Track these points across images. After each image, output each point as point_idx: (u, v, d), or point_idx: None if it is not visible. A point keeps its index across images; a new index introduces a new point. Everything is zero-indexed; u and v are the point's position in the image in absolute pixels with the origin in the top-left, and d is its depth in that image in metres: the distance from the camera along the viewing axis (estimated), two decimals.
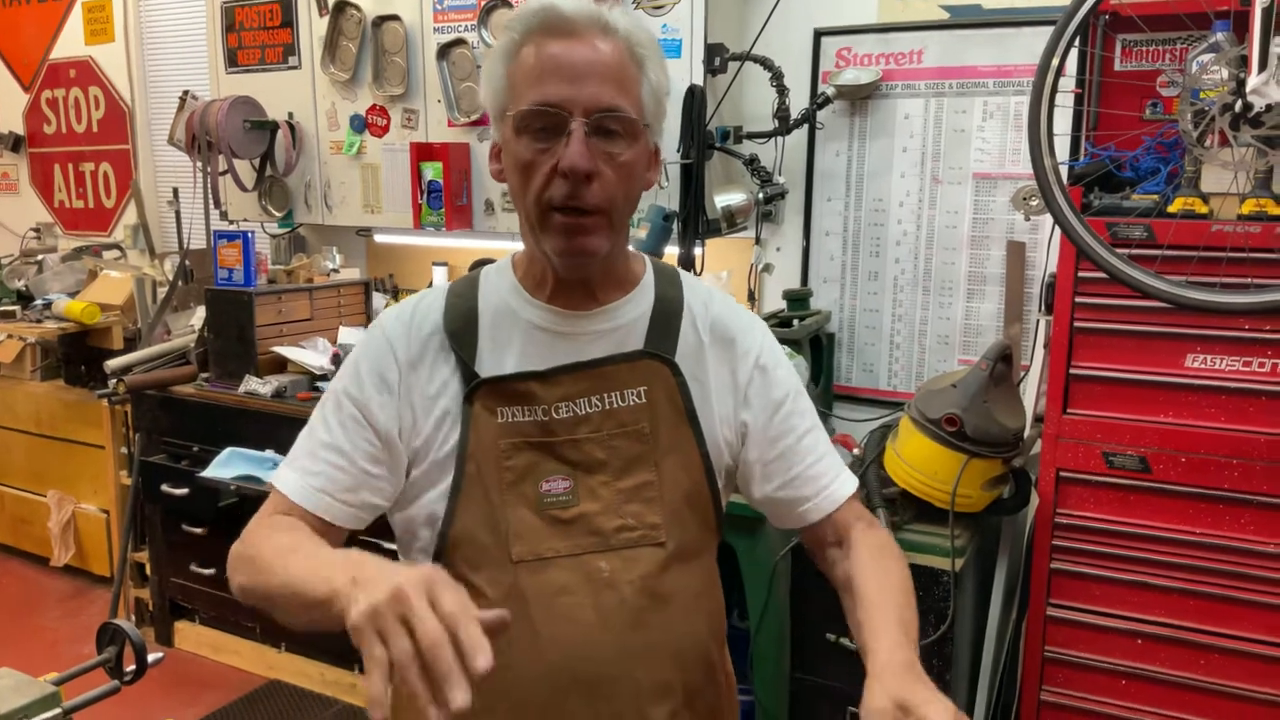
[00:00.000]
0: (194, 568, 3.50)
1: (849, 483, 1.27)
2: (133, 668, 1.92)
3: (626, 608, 1.14)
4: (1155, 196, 2.27)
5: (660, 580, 1.16)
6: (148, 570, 3.70)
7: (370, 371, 1.20)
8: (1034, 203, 2.71)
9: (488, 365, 1.17)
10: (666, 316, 1.21)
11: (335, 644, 3.28)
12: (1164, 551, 2.28)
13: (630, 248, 1.25)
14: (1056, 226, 2.16)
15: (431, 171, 3.32)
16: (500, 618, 0.86)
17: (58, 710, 1.77)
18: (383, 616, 0.81)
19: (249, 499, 3.24)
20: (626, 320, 1.20)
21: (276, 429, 3.25)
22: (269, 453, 3.22)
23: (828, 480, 1.25)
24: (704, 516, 1.21)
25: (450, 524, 1.15)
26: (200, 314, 3.68)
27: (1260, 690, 2.22)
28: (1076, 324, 2.32)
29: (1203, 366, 2.24)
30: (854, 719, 2.49)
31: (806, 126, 3.02)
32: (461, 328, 1.19)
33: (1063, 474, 2.36)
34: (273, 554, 1.07)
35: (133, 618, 3.66)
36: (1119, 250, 2.06)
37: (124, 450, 3.83)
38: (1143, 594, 2.31)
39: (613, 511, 1.15)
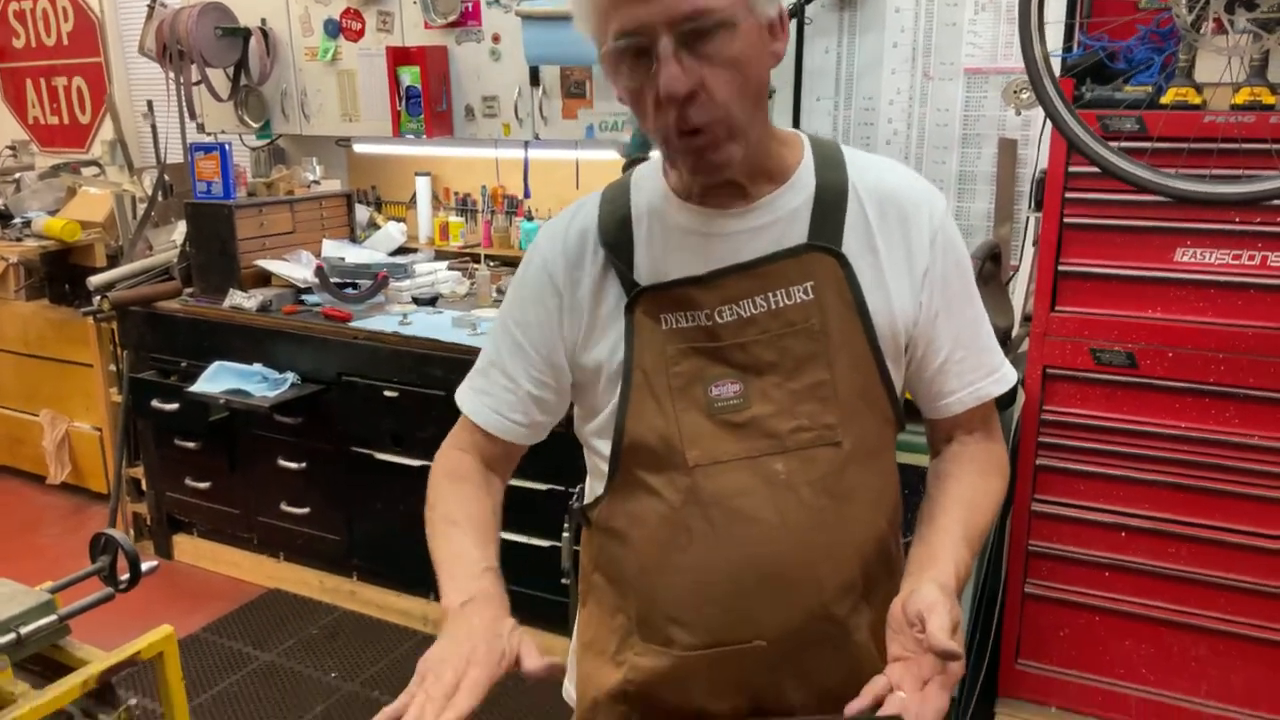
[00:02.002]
0: (189, 481, 3.52)
1: (1002, 381, 1.21)
2: (126, 576, 1.95)
3: (806, 509, 1.11)
4: (1148, 88, 2.22)
5: (839, 480, 1.12)
6: (143, 485, 3.73)
7: (529, 295, 1.20)
8: (1025, 96, 2.66)
9: (646, 272, 1.14)
10: (830, 204, 1.13)
11: (333, 553, 3.33)
12: (1149, 446, 2.30)
13: (784, 129, 1.17)
14: (1047, 121, 2.11)
15: (409, 77, 3.23)
16: (549, 667, 1.00)
17: (53, 617, 1.79)
18: (430, 671, 0.98)
19: (239, 413, 3.25)
20: (785, 212, 1.13)
21: (262, 343, 3.24)
22: (256, 366, 3.21)
23: (982, 374, 1.20)
24: (880, 410, 1.15)
25: (623, 433, 1.14)
26: (181, 229, 3.63)
27: (1239, 578, 2.26)
28: (1066, 220, 2.30)
29: (1192, 261, 2.22)
30: None
31: (794, 22, 2.94)
32: (617, 237, 1.16)
33: (1049, 371, 2.36)
34: (437, 520, 1.19)
35: (131, 532, 3.70)
36: (1110, 143, 2.02)
37: (113, 368, 3.83)
38: (1126, 488, 2.33)
39: (786, 413, 1.11)
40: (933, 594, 0.99)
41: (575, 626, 1.33)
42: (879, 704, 0.95)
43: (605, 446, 1.18)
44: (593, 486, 1.25)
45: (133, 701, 1.89)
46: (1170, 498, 2.29)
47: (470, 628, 1.01)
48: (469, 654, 0.98)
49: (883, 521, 1.18)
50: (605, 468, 1.18)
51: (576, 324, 1.17)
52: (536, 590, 2.29)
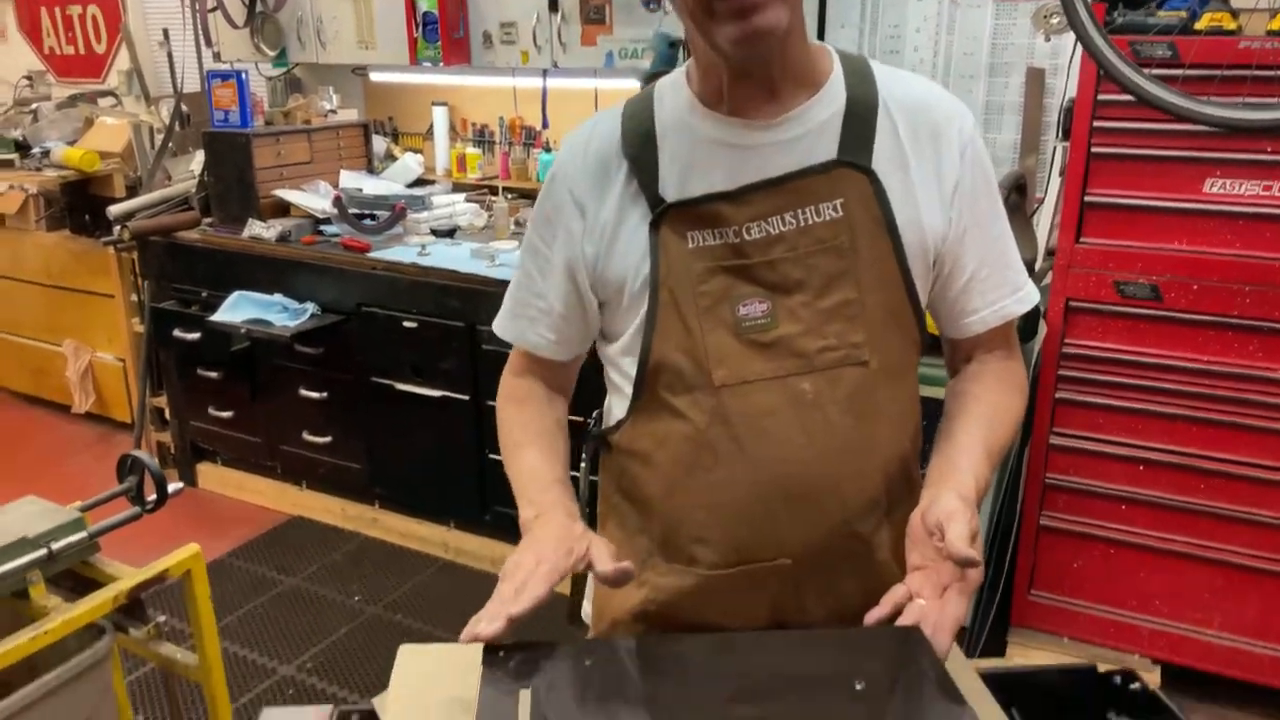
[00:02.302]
0: (212, 411, 3.56)
1: (1025, 300, 1.20)
2: (153, 497, 1.98)
3: (832, 428, 1.10)
4: (1182, 14, 2.16)
5: (866, 400, 1.11)
6: (167, 414, 3.78)
7: (552, 215, 1.19)
8: (1055, 20, 2.60)
9: (672, 188, 1.12)
10: (860, 118, 1.10)
11: (355, 481, 3.38)
12: (1170, 379, 2.29)
13: (811, 41, 1.13)
14: (1076, 49, 2.07)
15: (426, 2, 3.18)
16: (620, 571, 1.01)
17: (83, 534, 1.83)
18: (508, 573, 1.01)
19: (260, 343, 3.27)
20: (815, 124, 1.10)
21: (283, 273, 3.25)
22: (277, 297, 3.22)
23: (1006, 292, 1.18)
24: (907, 330, 1.15)
25: (649, 353, 1.14)
26: (199, 159, 3.63)
27: (1259, 512, 2.26)
28: (1094, 149, 2.26)
29: (1221, 191, 2.19)
30: None
31: None
32: (640, 151, 1.13)
33: (1072, 304, 2.34)
34: (507, 445, 1.24)
35: (155, 460, 3.75)
36: (1142, 70, 1.98)
37: (134, 298, 3.85)
38: (1146, 421, 2.32)
39: (814, 332, 1.10)
40: (952, 503, 0.99)
41: None
42: (898, 612, 0.97)
43: (630, 367, 1.18)
44: (614, 410, 1.25)
45: (161, 619, 1.93)
46: (1191, 432, 2.29)
47: (540, 536, 1.05)
48: (539, 554, 1.01)
49: (906, 441, 1.18)
50: (629, 390, 1.18)
51: (600, 241, 1.16)
52: None
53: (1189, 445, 2.29)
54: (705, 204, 1.11)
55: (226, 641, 2.79)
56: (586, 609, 1.35)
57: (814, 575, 1.15)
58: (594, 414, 1.33)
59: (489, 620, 0.94)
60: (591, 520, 1.30)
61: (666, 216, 1.12)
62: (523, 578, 0.98)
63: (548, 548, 1.02)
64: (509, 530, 2.44)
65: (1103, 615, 2.46)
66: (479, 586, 2.66)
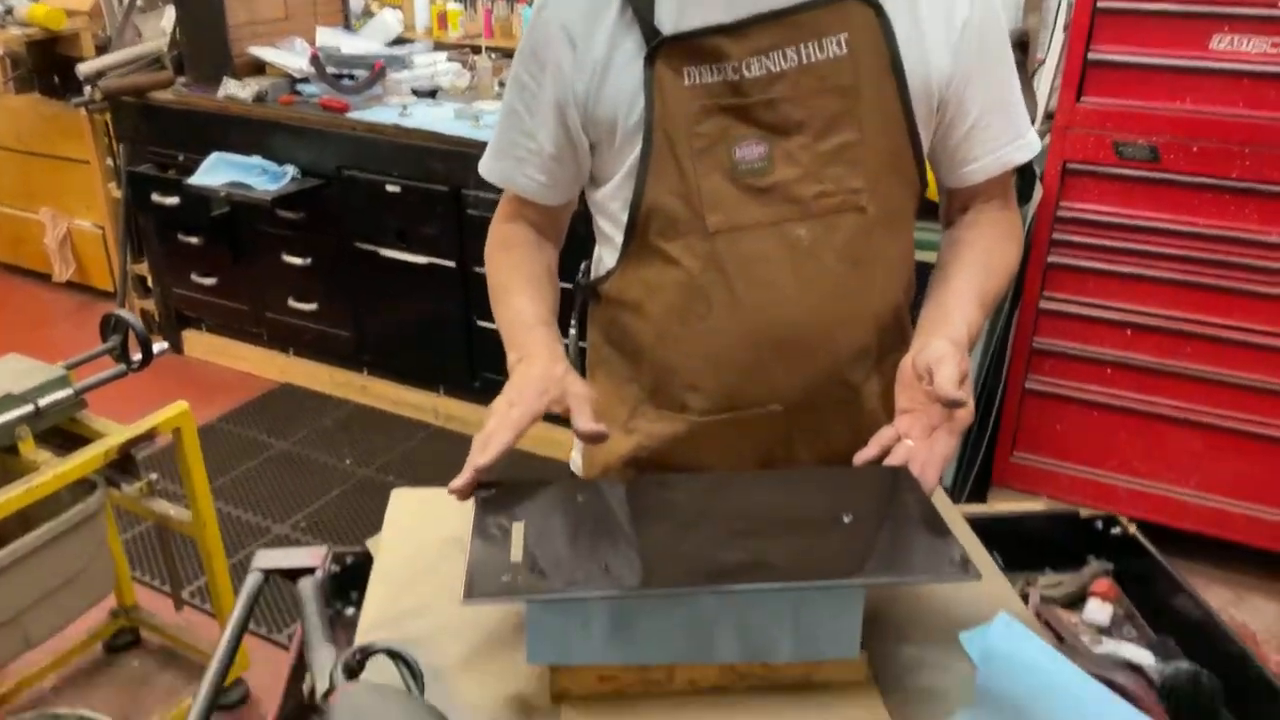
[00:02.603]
0: (194, 277, 3.52)
1: (1026, 148, 1.16)
2: (138, 356, 1.97)
3: (827, 275, 1.09)
4: None
5: (862, 247, 1.09)
6: (149, 282, 3.74)
7: (540, 49, 1.13)
8: None
9: (669, 19, 1.06)
10: None
11: (342, 348, 3.37)
12: (1164, 243, 2.27)
13: None
14: None
15: None
16: (594, 433, 0.99)
17: (69, 391, 1.83)
18: (492, 412, 1.00)
19: (241, 208, 3.21)
20: None
21: (260, 135, 3.16)
22: (255, 159, 3.14)
23: (1008, 139, 1.14)
24: (906, 177, 1.12)
25: (641, 197, 1.10)
26: (170, 15, 3.47)
27: (1245, 375, 2.28)
28: (1099, 3, 2.18)
29: (1228, 49, 2.13)
30: None
31: None
32: None
33: (1069, 166, 2.30)
34: (494, 291, 1.20)
35: (150, 340, 3.73)
36: None
37: (110, 163, 3.75)
38: (1138, 286, 2.32)
39: (811, 177, 1.07)
40: (942, 347, 0.99)
41: None
42: (886, 453, 0.97)
43: (620, 213, 1.14)
44: (603, 259, 1.23)
45: (154, 476, 1.95)
46: (1182, 296, 2.28)
47: (519, 379, 1.03)
48: (512, 398, 1.00)
49: (899, 290, 1.17)
50: (619, 238, 1.15)
51: (591, 77, 1.10)
52: None
53: (1179, 310, 2.29)
54: (703, 37, 1.06)
55: (220, 502, 2.83)
56: (575, 459, 1.36)
57: (804, 422, 1.15)
58: (582, 265, 1.31)
59: (460, 476, 0.94)
60: (581, 373, 1.29)
61: (662, 51, 1.06)
62: (493, 426, 0.97)
63: (524, 390, 1.00)
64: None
65: (1082, 476, 2.51)
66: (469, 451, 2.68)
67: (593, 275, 1.26)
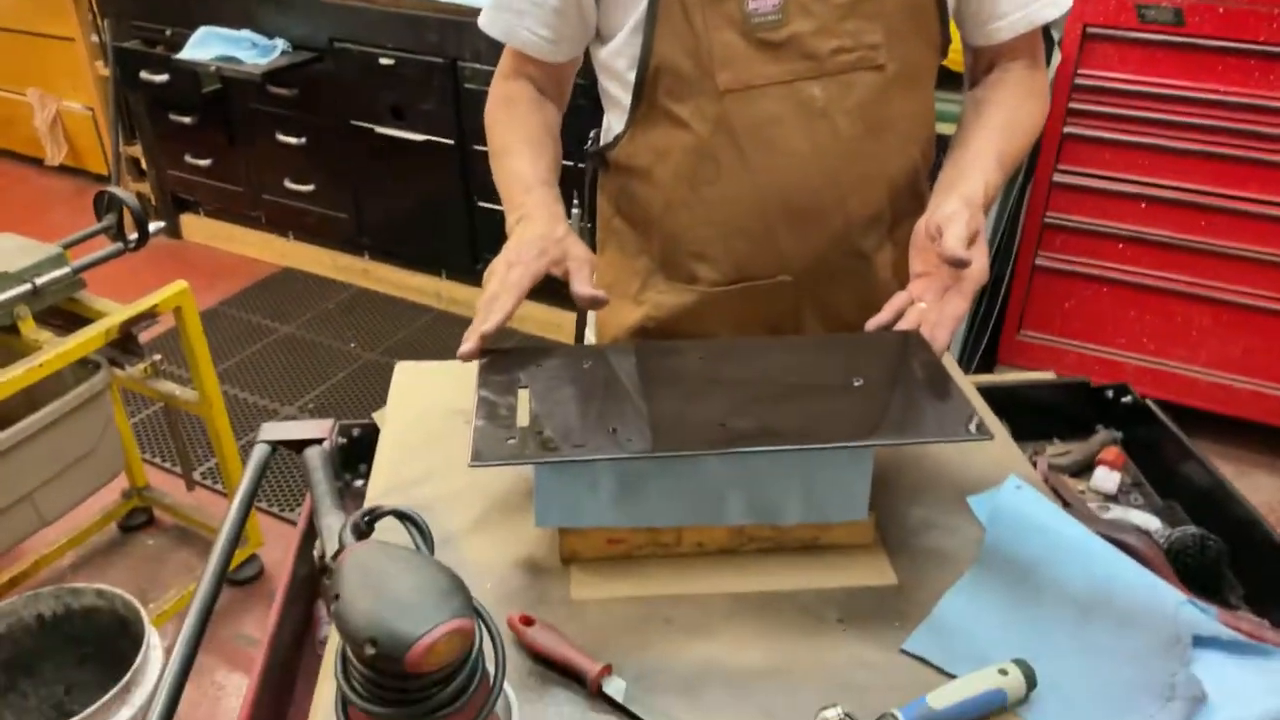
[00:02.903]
0: (189, 159, 3.45)
1: (1056, 6, 1.10)
2: (135, 236, 1.94)
3: (840, 139, 1.05)
4: None
5: (878, 108, 1.05)
6: (143, 164, 3.66)
7: None
8: None
9: None
10: None
11: (343, 232, 3.32)
12: (1186, 112, 2.20)
13: None
14: None
15: None
16: (593, 298, 0.97)
17: (67, 269, 1.80)
18: (490, 275, 0.97)
19: (233, 85, 3.12)
20: None
21: (248, 6, 3.04)
22: (245, 32, 3.03)
23: None
24: (928, 33, 1.06)
25: (649, 53, 1.05)
26: None
27: (1262, 250, 2.24)
28: None
29: None
30: None
31: None
32: None
33: (1089, 30, 2.21)
34: (494, 151, 1.15)
35: (134, 198, 3.67)
36: None
37: (95, 39, 3.63)
38: (1156, 157, 2.26)
39: (827, 31, 1.02)
40: (954, 205, 0.95)
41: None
42: (899, 318, 0.95)
43: (628, 72, 1.09)
44: (611, 126, 1.18)
45: (158, 357, 1.94)
46: (1202, 167, 2.22)
47: (518, 240, 1.00)
48: (511, 258, 0.97)
49: (916, 153, 1.13)
50: (626, 100, 1.11)
51: None
52: None
53: (1197, 182, 2.24)
54: None
55: (226, 386, 2.84)
56: (589, 336, 1.35)
57: (814, 292, 1.13)
58: (591, 134, 1.26)
59: (465, 341, 0.92)
60: (591, 246, 1.26)
61: None
62: (494, 288, 0.95)
63: (523, 251, 0.97)
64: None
65: (1089, 353, 2.49)
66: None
67: (601, 143, 1.21)
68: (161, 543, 2.29)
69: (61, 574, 2.19)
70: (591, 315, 1.34)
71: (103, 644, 1.63)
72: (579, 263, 0.98)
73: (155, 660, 1.52)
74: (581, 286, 0.97)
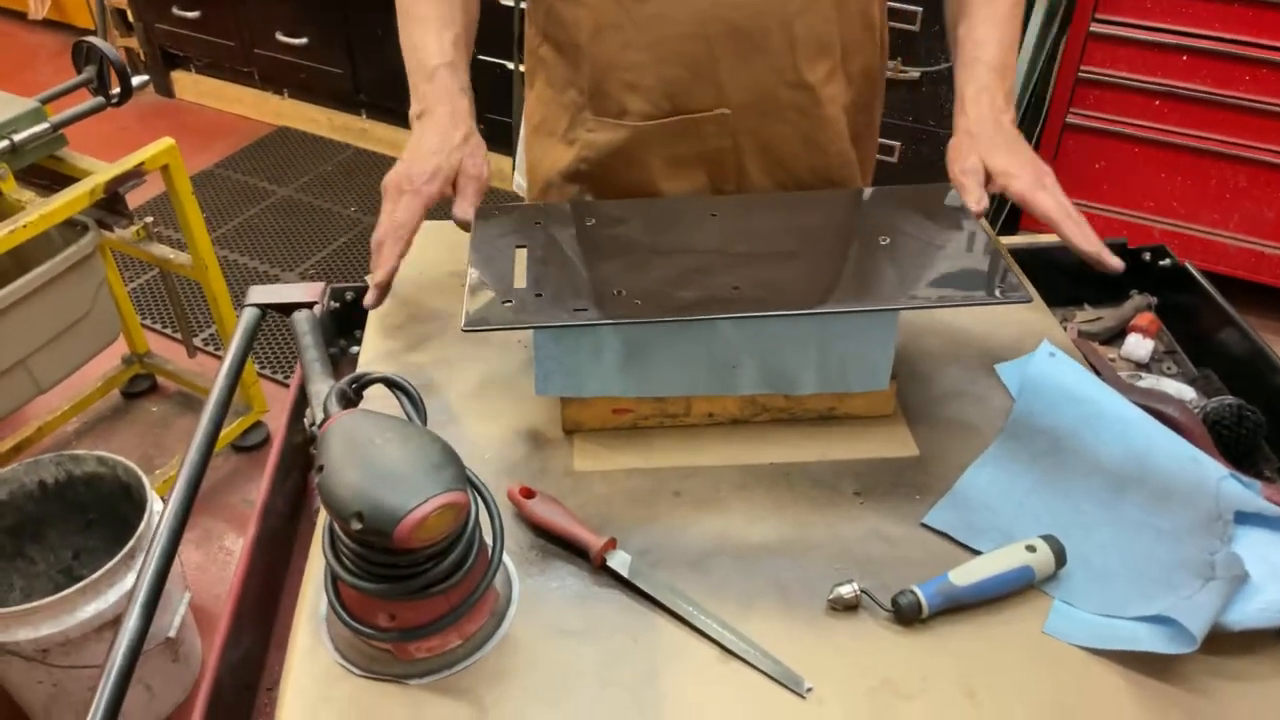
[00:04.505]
0: (177, 11, 3.28)
1: None
2: (118, 90, 1.84)
3: None
4: None
5: None
6: (130, 17, 3.50)
7: None
8: None
9: None
10: None
11: (338, 88, 3.19)
12: None
13: None
14: None
15: None
16: (461, 221, 0.90)
17: (45, 125, 1.71)
18: (384, 193, 0.91)
19: None
20: None
21: None
22: None
23: None
24: None
25: None
26: None
27: None
28: None
29: None
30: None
31: None
32: None
33: None
34: (400, 10, 1.03)
35: (116, 52, 3.53)
36: None
37: None
38: (1200, 5, 2.11)
39: None
40: (1009, 160, 0.89)
41: (523, 113, 1.20)
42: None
43: None
44: None
45: (149, 219, 1.87)
46: (1246, 16, 2.08)
47: (413, 153, 0.92)
48: (401, 181, 0.90)
49: None
50: None
51: None
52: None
53: (1244, 32, 2.09)
54: None
55: (225, 250, 2.77)
56: (519, 180, 1.26)
57: (755, 129, 1.04)
58: None
59: (368, 294, 0.89)
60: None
61: None
62: (382, 232, 0.88)
63: (416, 171, 0.90)
64: (503, 141, 2.31)
65: (1117, 217, 2.40)
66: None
67: None
68: (165, 409, 2.28)
69: (66, 440, 2.18)
70: (521, 159, 1.24)
71: (107, 510, 1.62)
72: (468, 179, 0.91)
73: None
74: (457, 208, 0.90)
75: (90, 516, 1.64)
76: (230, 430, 2.06)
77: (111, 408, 2.27)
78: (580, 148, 1.08)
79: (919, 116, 2.34)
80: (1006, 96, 0.95)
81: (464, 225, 0.89)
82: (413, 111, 0.96)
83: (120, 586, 1.44)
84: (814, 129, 1.04)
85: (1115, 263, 0.84)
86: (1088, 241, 0.84)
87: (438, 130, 0.92)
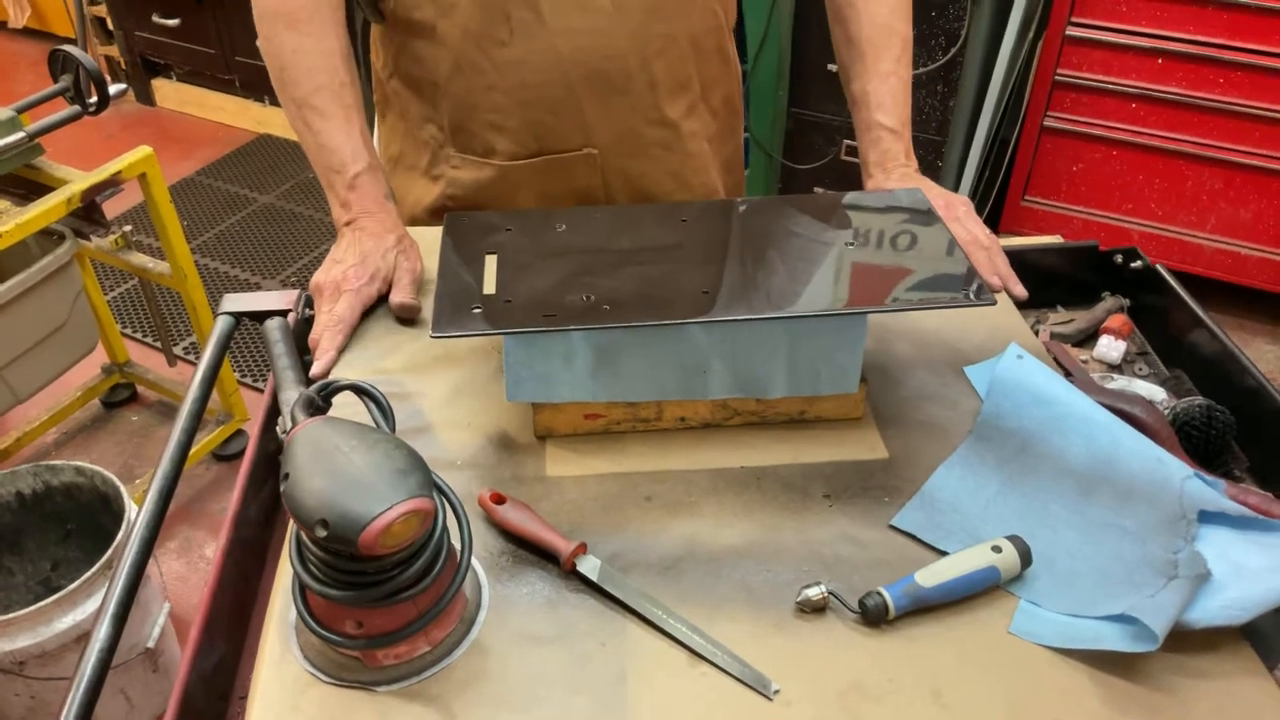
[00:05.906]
0: (156, 19, 3.27)
1: None
2: (95, 99, 1.83)
3: None
4: None
5: None
6: (109, 25, 3.49)
7: None
8: None
9: None
10: None
11: None
12: None
13: None
14: None
15: None
16: (402, 305, 0.92)
17: (21, 134, 1.70)
18: (318, 293, 0.93)
19: None
20: None
21: None
22: None
23: None
24: None
25: None
26: None
27: (1276, 108, 2.13)
28: None
29: None
30: (850, 151, 2.46)
31: None
32: None
33: None
34: (291, 95, 0.98)
35: (108, 77, 3.52)
36: None
37: None
38: (1173, 9, 2.12)
39: None
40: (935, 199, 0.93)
41: (376, 140, 1.18)
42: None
43: None
44: None
45: (128, 228, 1.86)
46: (1225, 19, 2.10)
47: (350, 252, 0.94)
48: (341, 283, 0.92)
49: (719, 12, 1.06)
50: None
51: None
52: None
53: (1220, 35, 2.11)
54: None
55: (206, 259, 2.76)
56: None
57: (622, 166, 1.06)
58: None
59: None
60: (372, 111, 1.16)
61: None
62: (319, 328, 0.90)
63: (352, 274, 0.92)
64: None
65: (1095, 219, 2.42)
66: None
67: None
68: (145, 419, 2.27)
69: (46, 451, 2.17)
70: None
71: (86, 520, 1.61)
72: (403, 272, 0.93)
73: None
74: (395, 294, 0.92)
75: (69, 527, 1.63)
76: (211, 439, 2.05)
77: (92, 417, 2.26)
78: (446, 184, 1.08)
79: None
80: (907, 152, 1.01)
81: (402, 310, 0.92)
82: (338, 217, 0.97)
83: (98, 598, 1.43)
84: (679, 164, 1.07)
85: (1019, 291, 0.92)
86: (993, 271, 0.92)
87: (372, 238, 0.94)
